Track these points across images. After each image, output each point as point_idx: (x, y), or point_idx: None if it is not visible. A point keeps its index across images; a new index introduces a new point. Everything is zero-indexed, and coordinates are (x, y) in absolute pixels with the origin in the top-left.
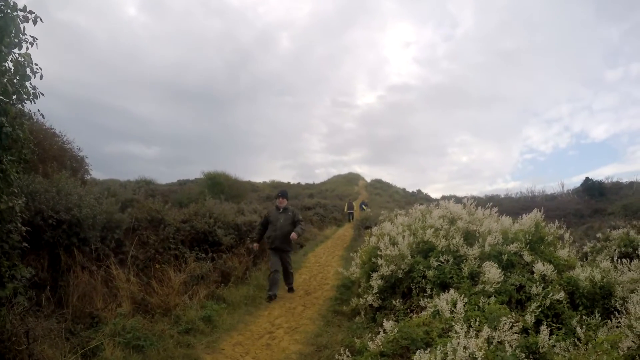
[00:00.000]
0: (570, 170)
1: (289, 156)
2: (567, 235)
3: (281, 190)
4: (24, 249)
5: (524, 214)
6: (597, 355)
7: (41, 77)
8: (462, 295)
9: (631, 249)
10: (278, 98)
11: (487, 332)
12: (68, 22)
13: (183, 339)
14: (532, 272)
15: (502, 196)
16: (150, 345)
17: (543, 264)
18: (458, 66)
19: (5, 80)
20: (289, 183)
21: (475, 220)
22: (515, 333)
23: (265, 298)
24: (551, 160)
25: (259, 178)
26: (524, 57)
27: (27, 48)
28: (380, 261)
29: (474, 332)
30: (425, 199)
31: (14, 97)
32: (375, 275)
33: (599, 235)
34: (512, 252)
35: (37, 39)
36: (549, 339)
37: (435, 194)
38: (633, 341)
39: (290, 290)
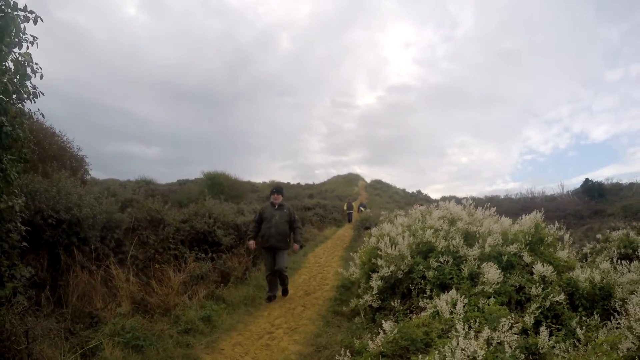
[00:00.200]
0: (570, 171)
1: (289, 156)
2: (566, 237)
3: (276, 186)
4: (23, 248)
5: (523, 215)
6: (596, 357)
7: (41, 77)
8: (462, 296)
9: (631, 250)
10: (278, 98)
11: (487, 333)
12: (68, 21)
13: (182, 339)
14: (532, 273)
15: (502, 197)
16: (150, 345)
17: (543, 265)
18: (458, 67)
19: (5, 80)
20: (288, 183)
21: (475, 221)
22: (515, 334)
23: (264, 298)
24: (551, 161)
25: (258, 178)
26: (523, 57)
27: (28, 47)
28: (380, 262)
29: (474, 333)
30: (425, 200)
31: (14, 96)
32: (375, 275)
33: (598, 236)
34: (511, 253)
35: (37, 39)
36: (549, 340)
37: (435, 195)
38: (633, 342)
39: (284, 292)
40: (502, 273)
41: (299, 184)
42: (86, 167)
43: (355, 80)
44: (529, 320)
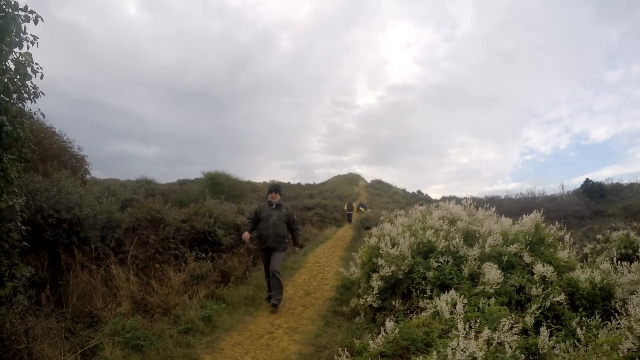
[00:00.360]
0: (571, 172)
1: (289, 156)
2: (567, 237)
3: (274, 185)
4: (24, 247)
5: (524, 215)
6: (597, 357)
7: (42, 77)
8: (462, 296)
9: (631, 251)
10: (278, 98)
11: (487, 333)
12: (68, 21)
13: (182, 338)
14: (532, 274)
15: (502, 197)
16: (150, 345)
17: (543, 265)
18: (458, 67)
19: (6, 79)
20: (289, 183)
21: (475, 221)
22: (515, 334)
23: (264, 298)
24: (551, 161)
25: (258, 178)
26: (523, 57)
27: (28, 47)
28: (380, 261)
29: (474, 333)
30: (425, 200)
31: (15, 96)
32: (375, 275)
33: (599, 236)
34: (512, 253)
35: (37, 38)
36: (549, 340)
37: (435, 195)
38: (633, 343)
39: (274, 307)
40: (503, 273)
41: (299, 184)
42: (86, 166)
43: (355, 80)
44: (529, 320)
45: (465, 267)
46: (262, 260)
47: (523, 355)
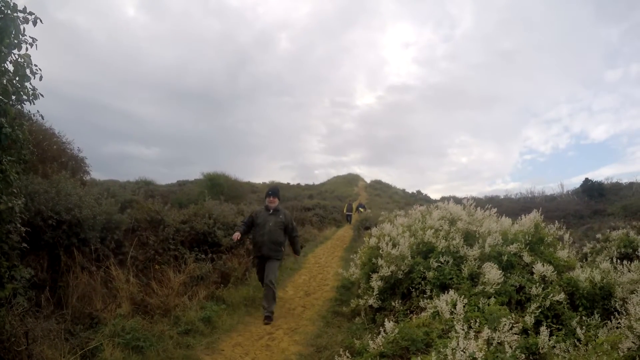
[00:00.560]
0: (570, 171)
1: (288, 157)
2: (566, 236)
3: (272, 188)
4: (23, 249)
5: (523, 215)
6: (597, 356)
7: (40, 78)
8: (462, 296)
9: (631, 250)
10: (277, 98)
11: (487, 333)
12: (67, 22)
13: (182, 339)
14: (532, 273)
15: (502, 197)
16: (150, 346)
17: (543, 264)
18: (457, 66)
19: (5, 81)
20: (288, 184)
21: (475, 221)
22: (515, 334)
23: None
24: (551, 161)
25: (258, 179)
26: (523, 57)
27: (27, 49)
28: (380, 262)
29: (474, 333)
30: (425, 200)
31: (14, 97)
32: (375, 276)
33: (598, 236)
34: (511, 253)
35: (36, 40)
36: (549, 340)
37: (434, 195)
38: (633, 342)
39: (267, 319)
40: (502, 273)
41: (298, 184)
42: (86, 168)
43: (354, 80)
44: (529, 320)
45: (465, 267)
46: (255, 267)
47: (523, 355)
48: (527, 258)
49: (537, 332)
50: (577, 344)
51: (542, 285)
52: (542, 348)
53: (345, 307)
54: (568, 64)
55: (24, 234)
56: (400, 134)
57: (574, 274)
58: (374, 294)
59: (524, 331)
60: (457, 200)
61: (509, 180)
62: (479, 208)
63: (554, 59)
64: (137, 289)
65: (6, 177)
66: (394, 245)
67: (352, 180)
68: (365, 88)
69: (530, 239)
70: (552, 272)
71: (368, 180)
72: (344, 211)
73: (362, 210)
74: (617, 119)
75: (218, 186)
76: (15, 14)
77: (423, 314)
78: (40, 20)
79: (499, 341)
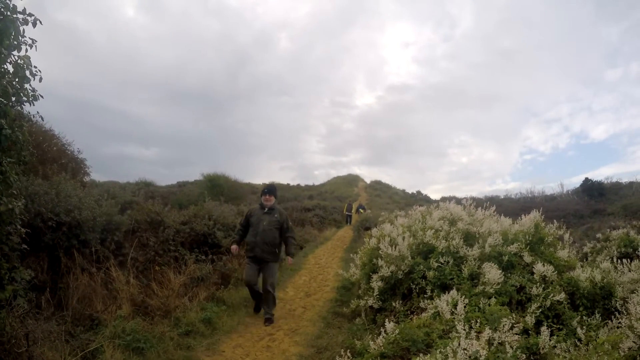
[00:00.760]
0: (570, 171)
1: (288, 157)
2: (567, 236)
3: (268, 186)
4: (23, 251)
5: (523, 215)
6: (597, 356)
7: (40, 80)
8: (463, 297)
9: (631, 249)
10: (277, 98)
11: (488, 333)
12: (66, 23)
13: (183, 341)
14: (533, 273)
15: (502, 197)
16: (150, 348)
17: (543, 264)
18: (457, 66)
19: (4, 82)
20: (288, 184)
21: (475, 221)
22: (516, 334)
23: (253, 308)
24: (551, 160)
25: (258, 179)
26: (523, 56)
27: (27, 50)
28: (380, 262)
29: (475, 333)
30: (425, 200)
31: (14, 99)
32: (375, 276)
33: (598, 235)
34: (512, 253)
35: (36, 41)
36: (550, 340)
37: (435, 195)
38: (634, 341)
39: (267, 321)
40: (503, 273)
41: (298, 185)
42: (86, 169)
43: (354, 80)
44: (530, 320)
45: (465, 267)
46: (245, 265)
47: (524, 355)
48: (527, 258)
49: (538, 332)
50: (578, 343)
51: (543, 285)
52: (543, 348)
53: (345, 308)
54: (568, 63)
55: (24, 236)
56: (400, 134)
57: (574, 273)
58: (375, 294)
59: (525, 331)
60: (458, 201)
61: (509, 180)
62: (479, 208)
63: (554, 58)
64: (138, 290)
65: (6, 179)
66: (394, 246)
67: (352, 180)
68: (365, 88)
69: (530, 239)
70: (553, 272)
71: (368, 181)
72: (344, 211)
73: (362, 211)
74: (617, 119)
75: (218, 187)
76: (14, 16)
77: (424, 314)
78: (40, 22)
79: (500, 341)
